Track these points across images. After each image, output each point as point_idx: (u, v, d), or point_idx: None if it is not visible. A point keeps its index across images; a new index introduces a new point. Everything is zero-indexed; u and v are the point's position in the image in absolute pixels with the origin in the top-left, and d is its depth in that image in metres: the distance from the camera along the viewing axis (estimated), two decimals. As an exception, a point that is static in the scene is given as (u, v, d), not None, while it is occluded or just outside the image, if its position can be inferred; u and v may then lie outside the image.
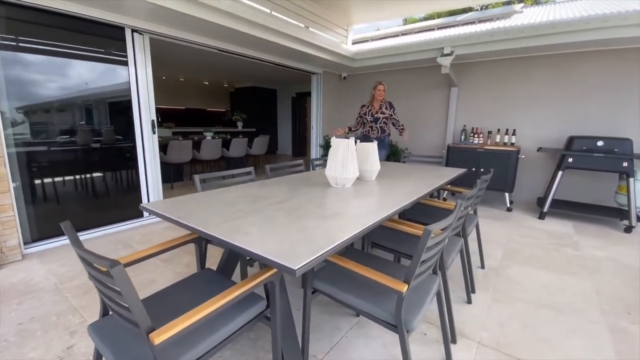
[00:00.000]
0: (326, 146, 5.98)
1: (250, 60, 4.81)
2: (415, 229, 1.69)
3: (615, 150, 3.51)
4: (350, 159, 1.96)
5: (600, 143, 3.61)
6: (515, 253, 2.91)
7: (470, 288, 2.15)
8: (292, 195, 1.75)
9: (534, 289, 2.29)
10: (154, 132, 3.57)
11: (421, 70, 5.36)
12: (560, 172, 3.82)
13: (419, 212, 2.42)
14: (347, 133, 4.10)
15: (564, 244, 3.14)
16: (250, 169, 2.31)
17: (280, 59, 5.01)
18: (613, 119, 3.96)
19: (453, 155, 4.62)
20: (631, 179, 3.44)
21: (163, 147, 5.17)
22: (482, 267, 2.59)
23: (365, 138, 4.19)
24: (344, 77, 6.23)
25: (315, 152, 6.15)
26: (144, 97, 3.44)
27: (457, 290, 2.22)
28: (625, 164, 3.45)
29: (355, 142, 2.22)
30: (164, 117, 9.83)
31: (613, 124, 3.96)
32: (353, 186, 2.04)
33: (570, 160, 3.74)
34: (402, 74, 5.62)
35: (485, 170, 4.38)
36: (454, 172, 2.72)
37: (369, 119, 4.11)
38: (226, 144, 6.29)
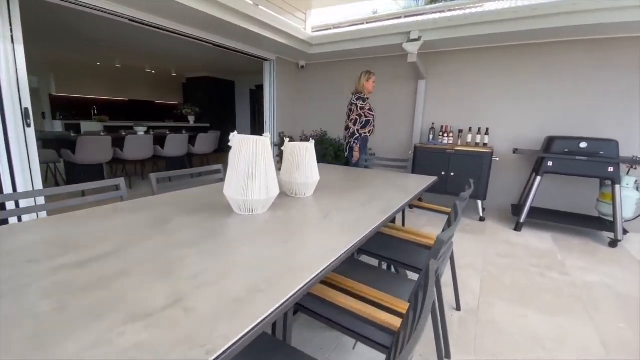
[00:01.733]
0: (282, 145, 5.22)
1: (186, 40, 3.93)
2: (356, 298, 0.99)
3: (601, 152, 3.07)
4: (262, 169, 1.22)
5: (583, 145, 3.16)
6: (496, 281, 2.34)
7: (444, 352, 1.50)
8: (145, 235, 0.99)
9: (527, 342, 1.69)
10: (29, 125, 2.62)
11: (386, 60, 4.75)
12: (538, 178, 3.34)
13: (372, 243, 1.75)
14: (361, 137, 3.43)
15: (549, 266, 2.62)
16: (118, 181, 1.51)
17: (224, 39, 4.16)
18: (595, 117, 3.55)
19: (421, 157, 4.04)
20: (617, 186, 3.02)
21: (72, 145, 4.15)
22: (458, 308, 1.97)
23: (365, 142, 3.53)
24: (302, 67, 5.49)
25: (268, 151, 5.36)
26: (8, 80, 2.48)
27: (426, 354, 1.56)
28: (611, 169, 3.02)
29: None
30: (102, 109, 8.58)
31: (595, 123, 3.55)
32: (271, 211, 1.31)
33: (550, 163, 3.27)
34: (364, 64, 4.96)
35: (456, 175, 3.84)
36: (421, 183, 2.07)
37: (374, 116, 3.46)
38: (163, 141, 5.33)
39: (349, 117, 3.44)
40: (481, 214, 3.77)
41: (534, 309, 1.99)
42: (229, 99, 10.01)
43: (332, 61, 5.26)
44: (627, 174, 3.19)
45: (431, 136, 4.35)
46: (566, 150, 3.22)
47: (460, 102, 4.30)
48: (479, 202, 3.77)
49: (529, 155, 3.72)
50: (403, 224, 2.58)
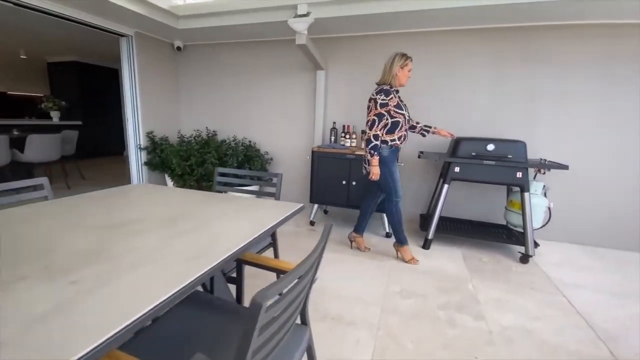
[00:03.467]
0: (153, 149, 4.01)
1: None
2: None
3: (509, 156, 2.66)
4: None
5: (490, 147, 2.73)
6: (395, 346, 1.63)
7: None
8: None
9: None
10: None
11: (276, 45, 3.89)
12: (445, 185, 2.83)
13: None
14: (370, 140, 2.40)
15: (460, 305, 2.04)
16: None
17: (54, 3, 2.83)
18: (497, 115, 3.21)
19: (320, 163, 3.28)
20: (526, 194, 2.63)
21: None
22: None
23: (393, 154, 2.51)
24: (178, 48, 4.32)
25: (134, 158, 4.08)
26: None
27: None
28: (519, 175, 2.62)
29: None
30: None
31: (498, 122, 3.21)
32: None
33: (457, 169, 2.78)
34: (252, 50, 4.05)
35: (358, 183, 3.17)
36: (269, 219, 1.22)
37: (406, 116, 2.47)
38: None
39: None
40: (387, 229, 3.17)
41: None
42: (110, 91, 8.15)
43: (215, 43, 4.22)
44: (534, 178, 2.86)
45: (333, 138, 3.64)
46: (473, 153, 2.75)
47: (362, 97, 3.66)
48: (384, 216, 3.16)
49: (436, 159, 3.23)
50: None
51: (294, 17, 3.00)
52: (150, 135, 4.06)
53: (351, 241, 2.87)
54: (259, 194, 2.06)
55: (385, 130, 2.42)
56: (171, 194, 1.62)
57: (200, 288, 1.34)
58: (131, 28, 3.74)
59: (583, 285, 2.36)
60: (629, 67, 2.82)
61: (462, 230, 3.01)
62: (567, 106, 3.02)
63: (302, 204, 1.47)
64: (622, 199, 2.99)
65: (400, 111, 2.40)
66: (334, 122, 3.67)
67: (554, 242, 3.18)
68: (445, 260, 2.69)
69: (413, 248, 2.87)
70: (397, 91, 2.44)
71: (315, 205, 3.38)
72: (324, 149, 3.26)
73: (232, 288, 1.43)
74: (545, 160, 2.71)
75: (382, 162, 2.45)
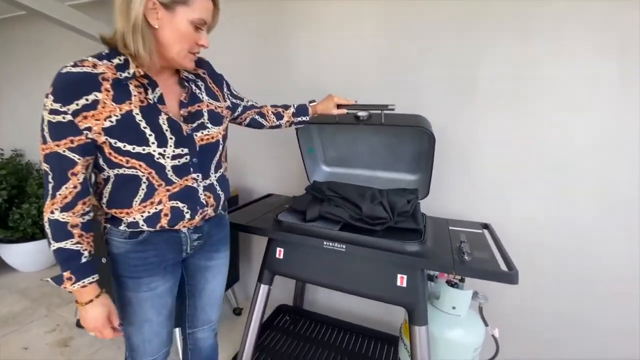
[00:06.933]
0: None
1: None
2: None
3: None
4: None
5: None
6: None
7: None
8: None
9: None
10: None
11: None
12: (263, 287, 1.28)
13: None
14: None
15: None
16: None
17: None
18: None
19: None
20: (421, 330, 1.04)
21: None
22: None
23: (139, 252, 0.81)
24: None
25: None
26: None
27: None
28: (401, 281, 1.04)
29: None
30: None
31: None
32: None
33: (281, 254, 1.22)
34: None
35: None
36: None
37: (164, 160, 0.75)
38: None
39: None
40: (236, 304, 1.65)
41: None
42: None
43: None
44: (458, 280, 1.25)
45: None
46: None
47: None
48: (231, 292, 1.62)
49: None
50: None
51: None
52: None
53: None
54: None
55: (106, 199, 0.77)
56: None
57: None
58: None
59: None
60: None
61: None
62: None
63: None
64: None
65: (144, 148, 0.72)
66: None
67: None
68: None
69: None
70: (152, 83, 0.74)
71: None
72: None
73: None
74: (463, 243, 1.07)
75: (113, 273, 0.82)
